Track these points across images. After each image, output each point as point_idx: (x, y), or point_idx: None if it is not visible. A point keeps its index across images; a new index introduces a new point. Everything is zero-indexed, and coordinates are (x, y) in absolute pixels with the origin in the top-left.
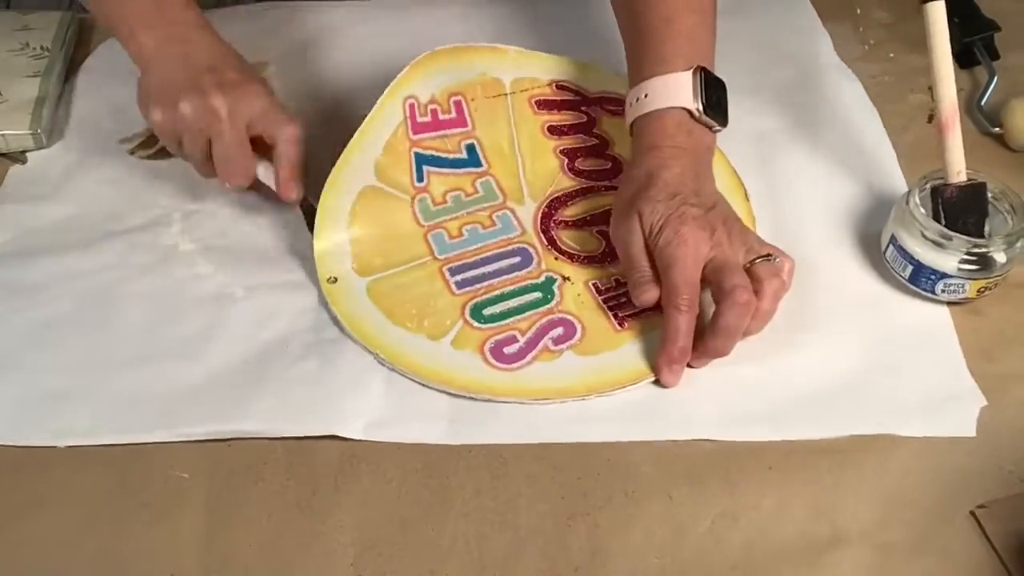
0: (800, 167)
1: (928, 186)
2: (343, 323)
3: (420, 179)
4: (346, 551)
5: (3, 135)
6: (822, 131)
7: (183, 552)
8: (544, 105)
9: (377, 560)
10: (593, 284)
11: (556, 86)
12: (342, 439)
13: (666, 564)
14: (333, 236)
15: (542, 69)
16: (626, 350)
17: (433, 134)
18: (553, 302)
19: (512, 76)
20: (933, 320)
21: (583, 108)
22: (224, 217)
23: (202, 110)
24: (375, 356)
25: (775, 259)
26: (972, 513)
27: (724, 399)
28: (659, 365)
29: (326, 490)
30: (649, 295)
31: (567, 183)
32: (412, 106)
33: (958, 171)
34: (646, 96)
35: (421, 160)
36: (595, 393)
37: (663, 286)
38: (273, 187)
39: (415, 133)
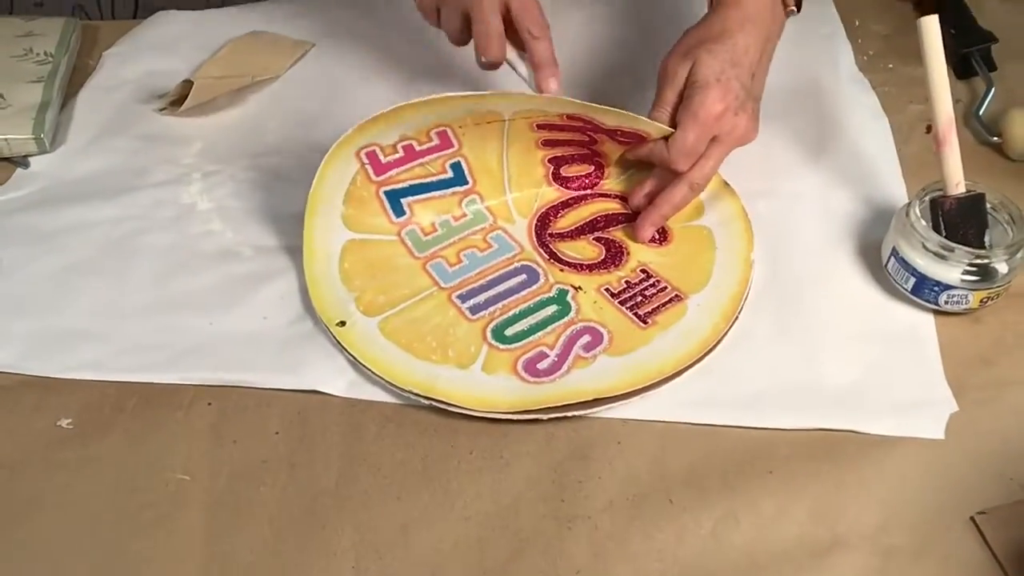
0: (803, 173)
1: (927, 198)
2: (367, 366)
3: (399, 214)
4: (347, 555)
5: (6, 139)
6: (829, 139)
7: (183, 556)
8: (546, 127)
9: (378, 563)
10: (605, 289)
11: (566, 117)
12: (343, 442)
13: (667, 567)
14: (329, 294)
15: (551, 105)
16: (659, 343)
17: (408, 166)
18: (572, 312)
19: (513, 109)
20: (918, 326)
21: (590, 132)
22: (242, 180)
23: None
24: (409, 395)
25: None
26: (972, 519)
27: (707, 386)
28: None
29: (327, 493)
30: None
31: (551, 195)
32: (371, 154)
33: (956, 183)
34: None
35: (396, 195)
36: (639, 386)
37: (680, 125)
38: (523, 76)
39: (379, 174)
